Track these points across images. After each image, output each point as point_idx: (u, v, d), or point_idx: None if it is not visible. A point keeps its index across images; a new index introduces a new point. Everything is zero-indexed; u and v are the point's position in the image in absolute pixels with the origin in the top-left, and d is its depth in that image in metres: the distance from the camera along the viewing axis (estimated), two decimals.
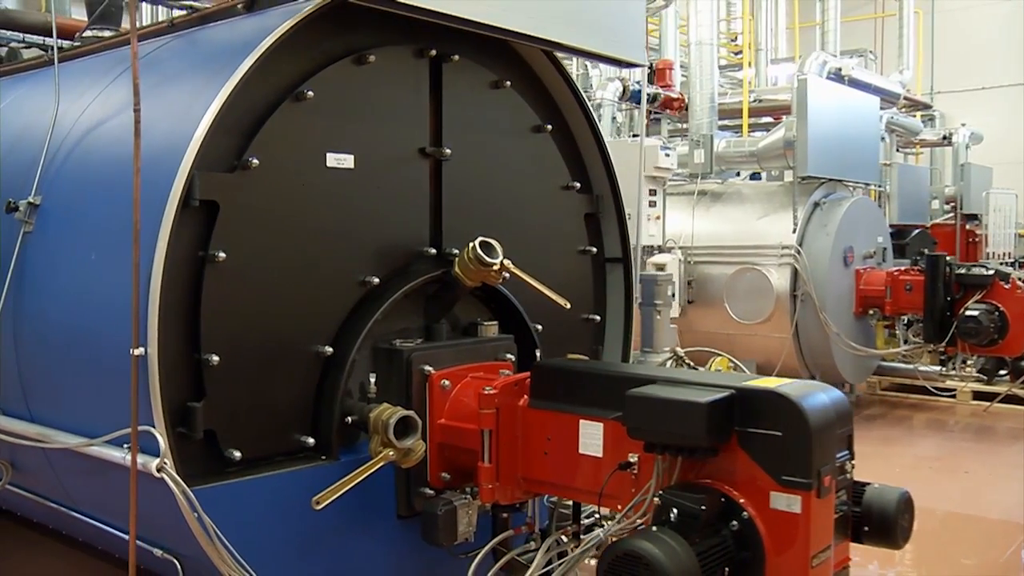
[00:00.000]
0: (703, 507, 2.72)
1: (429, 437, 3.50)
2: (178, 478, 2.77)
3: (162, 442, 2.79)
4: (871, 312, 8.55)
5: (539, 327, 4.14)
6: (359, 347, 3.38)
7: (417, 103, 3.68)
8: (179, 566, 3.11)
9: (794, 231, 8.27)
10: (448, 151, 3.75)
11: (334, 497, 3.05)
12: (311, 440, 3.28)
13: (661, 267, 8.64)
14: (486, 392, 3.33)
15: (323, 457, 3.29)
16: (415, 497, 3.48)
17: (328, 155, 3.34)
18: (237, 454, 3.06)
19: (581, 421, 3.20)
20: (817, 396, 2.83)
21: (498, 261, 3.59)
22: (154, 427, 2.80)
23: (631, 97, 10.92)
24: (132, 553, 2.80)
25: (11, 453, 3.68)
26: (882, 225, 9.25)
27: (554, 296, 3.79)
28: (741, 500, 2.79)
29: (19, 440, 3.34)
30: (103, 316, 3.00)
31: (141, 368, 2.79)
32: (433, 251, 3.72)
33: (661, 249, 9.03)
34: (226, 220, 3.04)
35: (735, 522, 2.79)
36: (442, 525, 3.33)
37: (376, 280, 3.49)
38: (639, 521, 2.93)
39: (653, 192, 8.80)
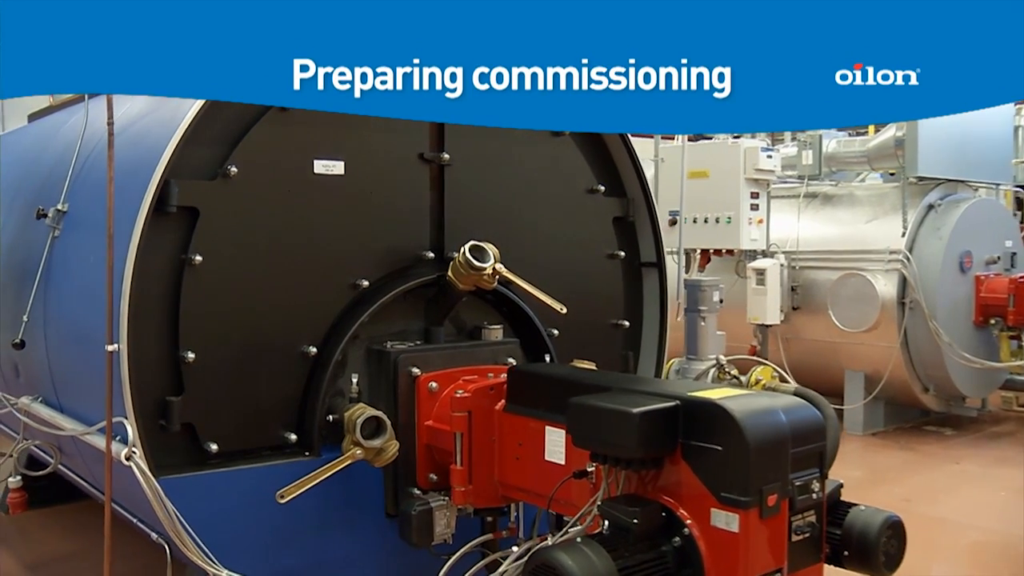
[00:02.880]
0: (635, 520, 2.63)
1: (417, 439, 3.56)
2: (144, 467, 2.95)
3: (131, 432, 2.98)
4: (993, 322, 7.90)
5: (554, 331, 4.11)
6: (344, 348, 3.48)
7: None
8: (168, 550, 3.30)
9: (903, 235, 7.77)
10: (447, 156, 3.79)
11: (299, 491, 3.16)
12: (293, 436, 3.40)
13: (761, 272, 8.34)
14: (458, 395, 3.35)
15: (307, 453, 3.41)
16: (403, 497, 3.54)
17: (316, 162, 3.46)
18: (214, 447, 3.22)
19: (547, 428, 3.17)
20: (767, 411, 2.68)
21: (489, 265, 3.60)
22: (126, 418, 3.00)
23: None
24: (108, 538, 3.00)
25: (56, 439, 4.02)
26: (1011, 228, 8.52)
27: (549, 301, 3.75)
28: (685, 516, 2.69)
29: (40, 427, 3.65)
30: (97, 314, 3.23)
31: (115, 363, 2.99)
32: (431, 255, 3.77)
33: (765, 254, 8.72)
34: (206, 225, 3.21)
35: (678, 538, 2.69)
36: (416, 525, 3.37)
37: (366, 283, 3.58)
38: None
39: (755, 195, 8.51)
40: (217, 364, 3.24)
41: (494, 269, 3.62)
